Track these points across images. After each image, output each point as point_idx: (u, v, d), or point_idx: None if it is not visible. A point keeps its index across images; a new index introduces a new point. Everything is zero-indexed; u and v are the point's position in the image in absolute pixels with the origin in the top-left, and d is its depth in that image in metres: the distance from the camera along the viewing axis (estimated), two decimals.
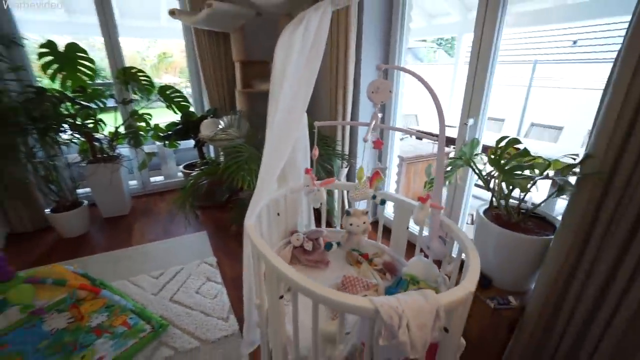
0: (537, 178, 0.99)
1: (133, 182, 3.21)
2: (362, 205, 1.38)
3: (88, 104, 2.37)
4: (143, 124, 2.80)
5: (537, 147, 3.26)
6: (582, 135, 3.77)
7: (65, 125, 2.33)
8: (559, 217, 1.14)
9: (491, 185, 1.16)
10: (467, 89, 1.65)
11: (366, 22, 2.02)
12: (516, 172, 1.00)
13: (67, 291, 1.41)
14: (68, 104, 2.33)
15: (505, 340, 1.23)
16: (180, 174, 3.42)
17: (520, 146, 1.11)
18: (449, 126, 2.39)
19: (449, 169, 1.23)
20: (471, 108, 1.66)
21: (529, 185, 1.00)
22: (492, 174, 1.12)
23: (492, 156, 1.07)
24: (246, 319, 1.16)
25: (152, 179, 3.37)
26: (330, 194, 2.00)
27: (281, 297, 0.80)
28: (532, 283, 1.24)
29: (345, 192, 1.43)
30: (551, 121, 4.17)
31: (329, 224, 2.32)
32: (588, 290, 1.01)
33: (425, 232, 1.05)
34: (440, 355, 0.75)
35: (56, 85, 2.39)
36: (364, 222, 1.13)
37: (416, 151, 2.82)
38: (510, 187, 1.08)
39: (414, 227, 1.54)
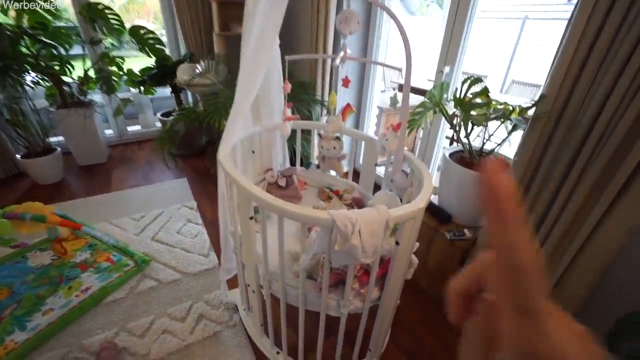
0: (491, 116, 1.05)
1: (109, 131, 3.12)
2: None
3: (51, 42, 2.21)
4: (115, 68, 2.66)
5: (515, 102, 3.33)
6: None
7: (28, 66, 2.19)
8: None
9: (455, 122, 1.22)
10: (445, 37, 1.65)
11: None
12: (474, 110, 1.06)
13: (47, 227, 1.44)
14: (29, 42, 2.17)
15: (459, 267, 1.39)
16: (158, 123, 3.34)
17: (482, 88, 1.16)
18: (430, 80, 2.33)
19: (419, 109, 1.27)
20: (448, 56, 1.66)
21: (484, 122, 1.07)
22: (456, 113, 1.18)
23: (456, 95, 1.12)
24: (223, 249, 1.24)
25: (129, 128, 3.28)
26: (307, 139, 2.04)
27: (251, 218, 0.87)
28: None
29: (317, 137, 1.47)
30: (533, 79, 4.21)
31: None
32: (531, 216, 1.13)
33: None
34: (392, 266, 0.85)
35: (10, 21, 2.19)
36: (335, 147, 1.17)
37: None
38: (470, 124, 1.14)
39: (380, 171, 1.63)
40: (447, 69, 1.67)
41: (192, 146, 2.68)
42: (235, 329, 1.33)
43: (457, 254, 1.36)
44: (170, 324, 1.34)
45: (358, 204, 1.28)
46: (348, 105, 1.05)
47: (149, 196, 2.27)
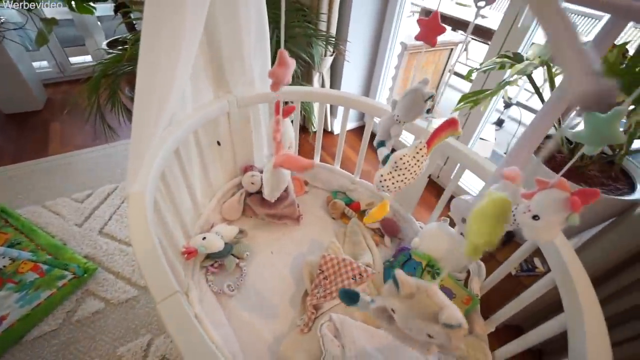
0: None
1: (43, 64, 2.39)
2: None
3: None
4: None
5: None
6: None
7: None
8: None
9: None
10: None
11: None
12: None
13: None
14: None
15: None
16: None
17: None
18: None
19: (506, 73, 0.72)
20: None
21: None
22: None
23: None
24: None
25: (73, 59, 2.54)
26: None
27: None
28: (577, 245, 0.93)
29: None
30: None
31: (303, 150, 1.88)
32: None
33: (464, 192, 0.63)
34: None
35: None
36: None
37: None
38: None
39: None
40: None
41: None
42: None
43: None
44: None
45: (390, 230, 0.82)
46: (452, 121, 0.52)
47: (99, 163, 1.75)
